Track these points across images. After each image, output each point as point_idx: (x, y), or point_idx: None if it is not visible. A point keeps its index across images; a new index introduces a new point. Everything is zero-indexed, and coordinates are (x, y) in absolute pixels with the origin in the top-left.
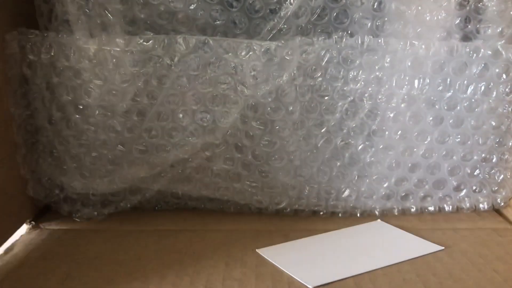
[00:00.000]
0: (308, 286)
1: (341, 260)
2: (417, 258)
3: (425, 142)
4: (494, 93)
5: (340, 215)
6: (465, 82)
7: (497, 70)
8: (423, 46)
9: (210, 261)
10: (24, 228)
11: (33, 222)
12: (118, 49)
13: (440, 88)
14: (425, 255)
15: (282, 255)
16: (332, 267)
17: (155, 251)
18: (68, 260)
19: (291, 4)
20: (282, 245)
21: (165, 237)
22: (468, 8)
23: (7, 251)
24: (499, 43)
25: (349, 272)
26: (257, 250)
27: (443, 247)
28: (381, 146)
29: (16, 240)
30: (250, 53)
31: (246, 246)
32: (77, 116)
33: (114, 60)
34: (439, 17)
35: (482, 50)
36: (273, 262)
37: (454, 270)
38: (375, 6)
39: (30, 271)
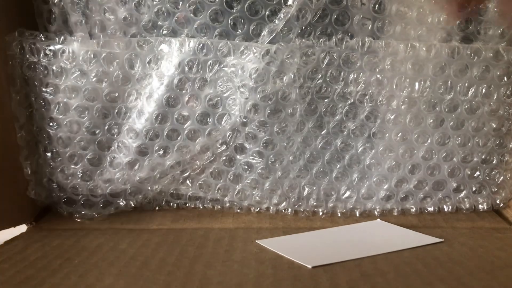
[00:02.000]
0: (308, 266)
1: (342, 246)
2: (416, 247)
3: (425, 144)
4: (495, 95)
5: (339, 215)
6: (466, 84)
7: (498, 73)
8: (424, 48)
9: (210, 249)
10: (24, 229)
11: (33, 223)
12: (118, 51)
13: (441, 90)
14: (425, 245)
15: (282, 244)
16: (333, 251)
17: (156, 243)
18: (67, 255)
19: (291, 6)
20: (282, 237)
21: (166, 235)
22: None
23: (6, 244)
24: (501, 45)
25: (349, 255)
26: (257, 241)
27: (443, 239)
28: (381, 148)
29: (16, 236)
30: (250, 55)
31: (246, 239)
32: (76, 117)
33: (114, 62)
34: (440, 19)
35: (483, 52)
36: (273, 249)
37: (454, 255)
38: (376, 8)
39: (27, 264)
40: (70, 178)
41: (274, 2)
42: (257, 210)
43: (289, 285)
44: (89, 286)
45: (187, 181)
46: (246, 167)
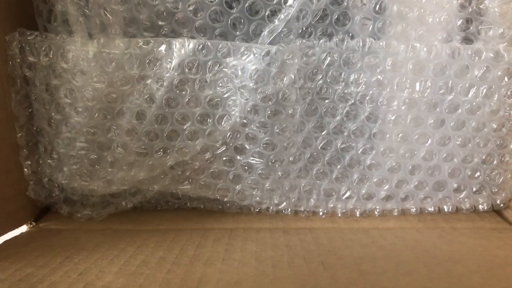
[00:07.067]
0: None
1: None
2: (416, 246)
3: (426, 145)
4: (496, 95)
5: (340, 215)
6: (467, 85)
7: (499, 73)
8: (424, 49)
9: (210, 248)
10: (24, 229)
11: (33, 223)
12: (117, 52)
13: (442, 91)
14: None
15: None
16: None
17: (156, 242)
18: (66, 254)
19: (291, 6)
20: None
21: (166, 235)
22: (470, 9)
23: (6, 243)
24: (501, 45)
25: None
26: None
27: None
28: (381, 149)
29: (16, 236)
30: (250, 56)
31: (246, 238)
32: (76, 118)
33: (113, 62)
34: (441, 19)
35: (484, 52)
36: None
37: (454, 255)
38: (376, 8)
39: (27, 262)
40: (70, 178)
41: (274, 2)
42: (257, 210)
43: (289, 283)
44: (89, 283)
45: (187, 182)
46: (246, 167)
